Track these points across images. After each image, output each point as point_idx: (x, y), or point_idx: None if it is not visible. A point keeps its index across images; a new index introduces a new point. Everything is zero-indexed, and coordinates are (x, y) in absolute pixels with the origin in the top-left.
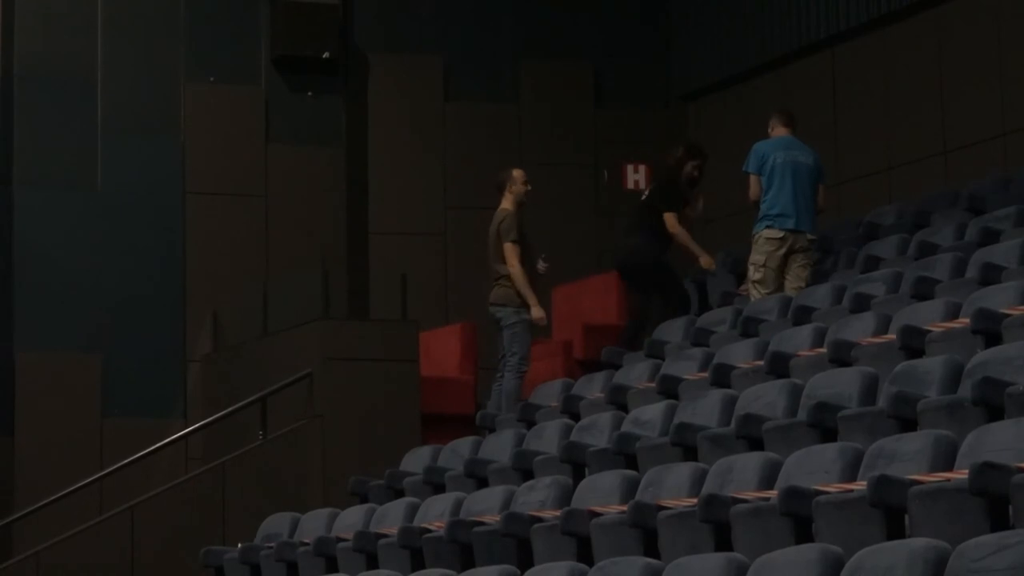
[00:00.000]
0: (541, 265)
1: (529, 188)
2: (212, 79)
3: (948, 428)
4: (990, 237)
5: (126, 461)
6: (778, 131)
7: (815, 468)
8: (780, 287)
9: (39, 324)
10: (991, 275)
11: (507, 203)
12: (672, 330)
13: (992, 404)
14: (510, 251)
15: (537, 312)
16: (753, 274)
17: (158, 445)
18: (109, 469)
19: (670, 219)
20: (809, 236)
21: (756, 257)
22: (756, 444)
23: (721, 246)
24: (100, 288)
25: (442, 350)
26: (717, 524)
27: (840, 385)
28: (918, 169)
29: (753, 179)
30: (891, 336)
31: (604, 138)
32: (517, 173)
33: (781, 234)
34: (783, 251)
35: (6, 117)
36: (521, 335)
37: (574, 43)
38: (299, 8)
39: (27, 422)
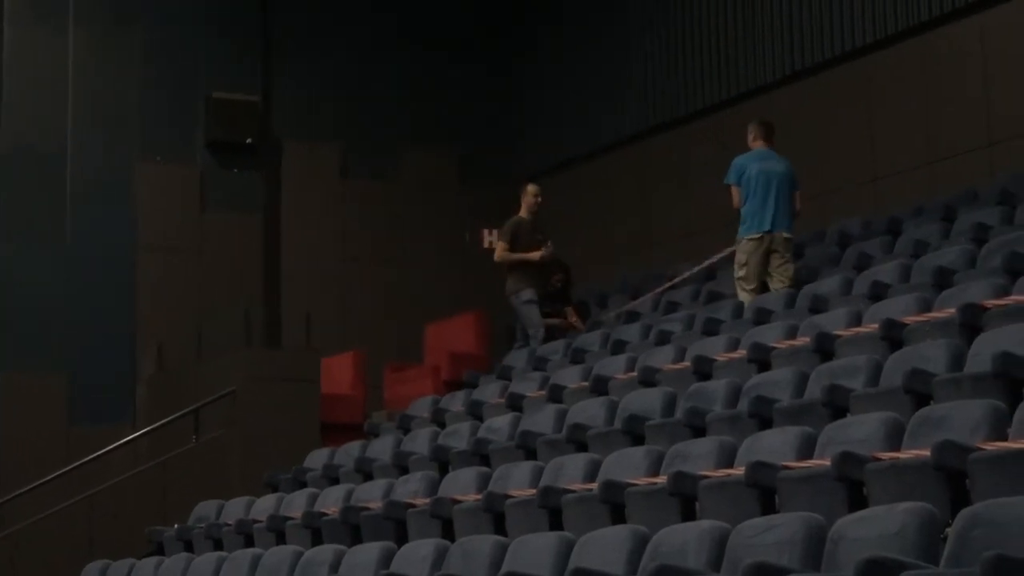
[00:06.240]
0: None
1: (539, 200)
2: (159, 158)
3: (730, 435)
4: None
5: (87, 459)
6: (756, 143)
7: (627, 465)
8: (762, 285)
9: (18, 349)
10: (762, 317)
11: (522, 211)
12: (517, 358)
13: (763, 416)
14: (499, 247)
15: (537, 255)
16: (737, 271)
17: (112, 446)
18: (73, 464)
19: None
20: (785, 235)
21: (740, 257)
22: (582, 447)
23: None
24: (68, 321)
25: (338, 373)
26: (552, 509)
27: (647, 401)
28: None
29: (734, 190)
30: (686, 364)
31: (466, 209)
32: (531, 188)
33: (759, 235)
34: (762, 250)
35: None
36: (522, 310)
37: (444, 132)
38: (227, 104)
39: (7, 429)
